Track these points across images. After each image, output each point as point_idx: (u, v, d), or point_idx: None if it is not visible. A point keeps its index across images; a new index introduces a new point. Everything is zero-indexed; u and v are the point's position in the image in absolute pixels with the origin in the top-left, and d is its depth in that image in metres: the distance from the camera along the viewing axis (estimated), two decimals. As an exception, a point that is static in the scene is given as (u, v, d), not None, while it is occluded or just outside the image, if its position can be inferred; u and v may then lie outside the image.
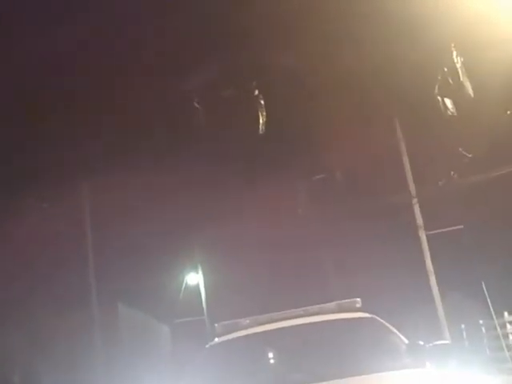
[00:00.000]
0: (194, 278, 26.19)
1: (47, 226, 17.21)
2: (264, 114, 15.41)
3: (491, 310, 17.14)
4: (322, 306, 5.90)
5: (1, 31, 12.25)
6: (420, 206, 18.73)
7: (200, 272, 24.59)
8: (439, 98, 15.15)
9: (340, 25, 13.65)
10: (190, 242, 22.15)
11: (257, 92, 15.23)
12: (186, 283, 27.21)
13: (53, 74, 13.97)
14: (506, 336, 16.91)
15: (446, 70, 14.38)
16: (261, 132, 15.58)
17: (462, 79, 14.12)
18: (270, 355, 5.64)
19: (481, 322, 18.42)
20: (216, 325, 6.06)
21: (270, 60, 14.93)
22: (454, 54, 13.85)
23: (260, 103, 15.33)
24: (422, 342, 4.97)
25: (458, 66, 13.99)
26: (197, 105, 15.80)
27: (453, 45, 13.79)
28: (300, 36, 14.13)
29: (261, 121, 15.42)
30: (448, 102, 15.12)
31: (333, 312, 5.76)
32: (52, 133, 15.50)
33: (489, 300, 17.18)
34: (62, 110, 15.09)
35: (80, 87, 14.60)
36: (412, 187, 18.90)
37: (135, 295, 20.67)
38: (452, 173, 17.98)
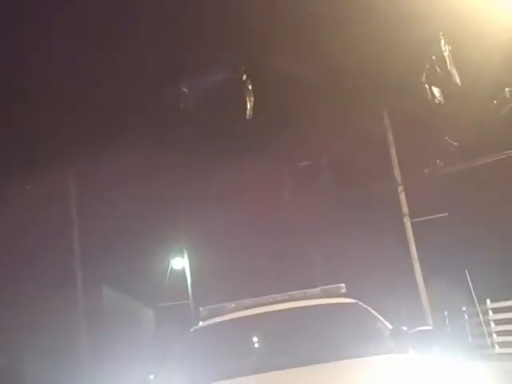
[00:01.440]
0: (180, 263, 26.21)
1: (32, 209, 17.13)
2: (252, 99, 15.37)
3: (474, 297, 17.33)
4: (307, 291, 5.93)
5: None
6: (405, 194, 18.82)
7: (185, 256, 24.62)
8: (427, 86, 15.18)
9: (330, 13, 13.64)
10: (175, 226, 22.14)
11: (245, 77, 15.18)
12: (172, 267, 27.22)
13: (40, 62, 13.87)
14: (487, 323, 17.11)
15: (433, 58, 14.41)
16: (248, 117, 15.54)
17: (449, 68, 14.15)
18: (255, 339, 5.68)
19: (464, 308, 18.62)
20: (201, 308, 6.07)
21: (259, 46, 14.89)
22: (442, 42, 13.88)
23: (248, 88, 15.29)
24: (405, 328, 5.02)
25: (446, 54, 14.02)
26: (184, 89, 15.74)
27: (441, 33, 13.81)
28: (290, 24, 14.10)
29: (248, 106, 15.38)
30: (435, 90, 15.15)
31: (317, 297, 5.79)
32: (38, 118, 15.40)
33: (472, 287, 17.38)
34: (48, 97, 14.99)
35: (65, 74, 14.50)
36: (398, 175, 18.97)
37: (120, 279, 20.68)
38: (438, 161, 18.07)
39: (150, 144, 16.91)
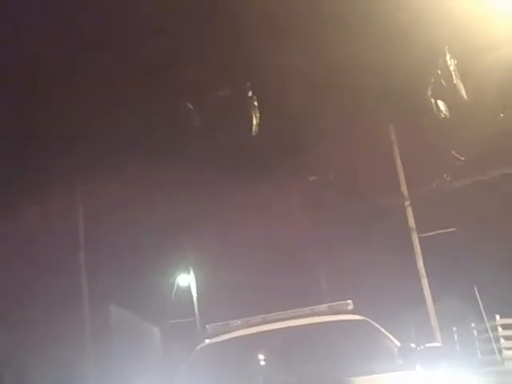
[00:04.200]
0: (186, 280, 26.16)
1: (40, 227, 17.15)
2: (258, 115, 15.38)
3: (483, 313, 17.19)
4: (314, 307, 5.88)
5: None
6: (412, 209, 18.76)
7: (192, 273, 24.56)
8: (432, 100, 15.17)
9: (335, 27, 13.66)
10: (182, 243, 22.11)
11: (251, 93, 15.20)
12: (178, 285, 27.17)
13: (48, 73, 13.93)
14: (497, 339, 16.98)
15: (439, 72, 14.40)
16: (254, 133, 15.54)
17: (455, 81, 14.13)
18: (261, 357, 5.62)
19: (472, 325, 18.48)
20: (207, 326, 6.03)
21: (265, 61, 14.92)
22: (448, 56, 13.87)
23: (253, 104, 15.30)
24: (413, 345, 4.95)
25: (452, 68, 14.00)
26: (190, 106, 15.77)
27: (446, 47, 13.80)
28: (295, 39, 14.14)
29: (254, 122, 15.38)
30: (441, 104, 15.13)
31: (325, 314, 5.74)
32: (46, 133, 15.46)
33: (480, 303, 17.24)
34: (55, 110, 15.05)
35: (73, 87, 14.56)
36: (404, 189, 18.93)
37: (127, 296, 20.61)
38: (445, 175, 18.01)
39: (156, 162, 16.94)
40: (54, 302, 17.33)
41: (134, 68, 14.43)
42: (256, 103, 15.26)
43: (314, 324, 5.51)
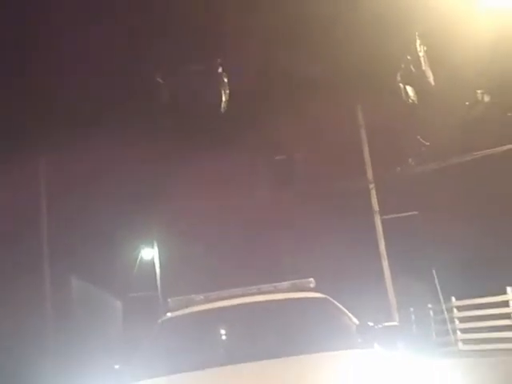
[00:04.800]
0: (149, 253, 26.09)
1: (1, 196, 16.87)
2: (227, 92, 15.31)
3: (440, 294, 17.58)
4: (276, 284, 5.95)
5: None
6: (376, 192, 19.00)
7: (155, 247, 24.50)
8: (401, 85, 15.31)
9: (306, 11, 13.66)
10: (146, 216, 22.00)
11: (220, 69, 15.11)
12: (141, 258, 27.10)
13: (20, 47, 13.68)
14: (452, 320, 17.39)
15: (409, 58, 14.52)
16: (222, 110, 15.48)
17: (424, 68, 14.27)
18: (222, 332, 5.68)
19: (429, 305, 18.88)
20: (169, 300, 6.06)
21: (236, 38, 14.84)
22: (418, 42, 13.98)
23: (223, 81, 15.22)
24: (371, 324, 5.07)
25: (421, 54, 14.13)
26: (160, 80, 15.63)
27: (417, 33, 13.91)
28: (266, 19, 14.09)
29: (223, 99, 15.31)
30: (409, 89, 15.28)
31: (287, 291, 5.82)
32: (10, 105, 15.18)
33: (438, 285, 17.63)
34: (22, 81, 14.79)
35: (41, 58, 14.31)
36: (370, 172, 19.14)
37: (89, 270, 20.48)
38: (410, 160, 18.25)
39: (122, 134, 16.77)
40: (14, 275, 17.14)
41: (107, 41, 14.22)
42: (226, 79, 15.19)
43: (274, 301, 5.58)
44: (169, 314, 5.84)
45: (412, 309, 19.64)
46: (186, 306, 5.80)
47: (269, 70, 16.42)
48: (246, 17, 14.13)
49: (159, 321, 5.82)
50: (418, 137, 17.79)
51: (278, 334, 5.23)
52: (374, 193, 19.01)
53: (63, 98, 15.71)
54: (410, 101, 15.46)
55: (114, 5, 13.48)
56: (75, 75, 15.04)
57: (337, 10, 13.76)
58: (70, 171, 17.81)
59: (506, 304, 14.98)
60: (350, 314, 5.36)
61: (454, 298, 17.40)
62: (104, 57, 14.67)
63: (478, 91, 16.05)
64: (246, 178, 20.81)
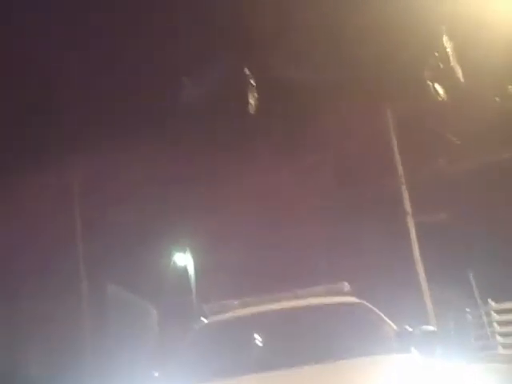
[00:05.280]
0: (183, 259, 26.20)
1: (37, 206, 17.14)
2: (255, 94, 15.32)
3: (477, 298, 17.29)
4: (311, 289, 5.93)
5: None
6: (409, 193, 18.77)
7: (189, 253, 24.61)
8: (430, 82, 15.15)
9: (331, 11, 13.61)
10: (179, 222, 22.13)
11: (247, 71, 15.12)
12: (175, 264, 27.22)
13: (50, 55, 13.89)
14: (490, 324, 17.08)
15: (436, 54, 14.37)
16: (251, 112, 15.49)
17: (452, 64, 14.10)
18: (258, 338, 5.67)
19: (467, 310, 18.58)
20: (204, 306, 6.07)
21: (264, 40, 14.86)
22: (445, 38, 13.83)
23: (251, 83, 15.23)
24: (409, 328, 5.03)
25: (449, 51, 13.97)
26: (188, 85, 15.72)
27: (444, 29, 13.76)
28: (293, 20, 14.08)
29: (251, 101, 15.32)
30: (438, 87, 15.12)
31: (321, 295, 5.79)
32: (44, 120, 15.43)
33: (475, 288, 17.34)
34: (56, 100, 15.02)
35: (73, 66, 14.52)
36: (401, 174, 18.92)
37: (124, 275, 20.68)
38: (441, 160, 18.02)
39: (153, 142, 16.92)
40: (51, 281, 17.39)
41: (132, 43, 14.37)
42: (253, 82, 15.20)
43: (311, 306, 5.55)
44: (204, 320, 5.86)
45: (449, 313, 19.35)
46: (222, 312, 5.80)
47: (296, 72, 16.38)
48: (274, 19, 14.15)
49: (195, 327, 5.83)
50: (449, 135, 17.56)
51: (315, 339, 5.20)
52: (406, 194, 18.77)
53: (94, 110, 15.92)
54: (439, 98, 15.29)
55: (142, 3, 13.58)
56: (107, 88, 15.23)
57: (362, 10, 13.69)
58: (104, 178, 18.00)
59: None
60: (386, 319, 5.32)
61: (491, 302, 17.09)
62: (132, 59, 14.81)
63: (510, 86, 15.78)
64: (278, 182, 20.79)
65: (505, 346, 16.48)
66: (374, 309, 5.44)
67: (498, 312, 16.95)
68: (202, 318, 5.91)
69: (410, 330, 4.99)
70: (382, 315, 5.37)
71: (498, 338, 16.83)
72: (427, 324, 15.22)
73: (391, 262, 18.12)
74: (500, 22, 12.37)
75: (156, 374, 5.19)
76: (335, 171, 20.97)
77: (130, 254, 20.62)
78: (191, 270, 23.78)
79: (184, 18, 14.19)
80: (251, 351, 5.43)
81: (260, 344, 5.59)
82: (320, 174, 21.30)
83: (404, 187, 18.69)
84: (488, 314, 17.19)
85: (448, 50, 13.90)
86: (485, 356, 16.04)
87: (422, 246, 18.36)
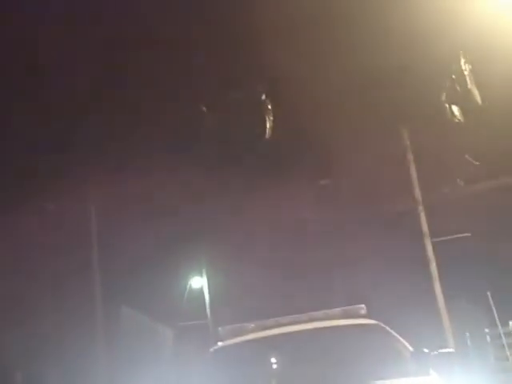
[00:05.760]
0: (198, 281, 26.17)
1: (52, 227, 17.24)
2: (271, 118, 15.41)
3: (496, 318, 17.10)
4: (327, 311, 5.88)
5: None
6: (426, 213, 18.68)
7: (204, 275, 24.59)
8: (447, 105, 15.13)
9: (349, 31, 13.67)
10: (194, 244, 22.14)
11: (264, 96, 15.23)
12: (190, 286, 27.18)
13: (65, 75, 14.04)
14: (510, 345, 16.87)
15: (453, 77, 14.37)
16: (267, 136, 15.58)
17: (469, 86, 14.10)
18: (274, 361, 5.62)
19: (486, 330, 18.37)
20: (220, 328, 6.04)
21: (279, 64, 14.95)
22: (462, 61, 13.84)
23: (267, 107, 15.33)
24: (426, 350, 4.95)
25: (466, 73, 13.97)
26: (204, 109, 15.83)
27: (461, 52, 13.78)
28: (309, 43, 14.16)
29: (268, 125, 15.41)
30: (455, 109, 15.09)
31: (338, 318, 5.74)
32: (62, 135, 15.58)
33: (494, 308, 17.15)
34: (69, 112, 15.16)
35: (88, 89, 14.66)
36: (418, 194, 18.85)
37: (139, 298, 20.68)
38: (458, 180, 17.95)
39: (169, 164, 16.99)
40: (65, 302, 17.43)
41: (149, 68, 14.50)
42: (270, 106, 15.30)
43: (327, 328, 5.51)
44: (220, 343, 5.82)
45: (468, 334, 19.13)
46: (237, 335, 5.76)
47: (311, 95, 16.43)
48: (289, 42, 14.23)
49: (211, 350, 5.79)
50: (467, 156, 17.49)
51: (331, 362, 5.15)
52: (423, 215, 18.69)
53: (112, 129, 16.04)
54: (457, 120, 15.26)
55: (156, 28, 13.72)
56: (122, 105, 15.34)
57: (378, 32, 13.75)
58: (120, 200, 18.08)
59: None
60: (403, 341, 5.25)
61: (511, 322, 16.91)
62: (149, 84, 14.94)
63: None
64: (293, 205, 20.76)
65: (525, 368, 16.28)
66: (390, 330, 5.38)
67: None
68: (218, 342, 5.88)
69: (427, 351, 4.91)
70: (398, 336, 5.30)
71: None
72: (445, 345, 15.07)
73: (409, 282, 17.96)
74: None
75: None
76: (352, 193, 20.91)
77: (145, 277, 20.63)
78: (207, 293, 23.72)
79: (203, 43, 14.35)
80: (267, 375, 5.38)
81: (275, 367, 5.54)
82: (337, 196, 21.25)
83: (421, 208, 18.61)
84: (508, 335, 17.00)
85: (465, 72, 13.90)
86: (505, 378, 15.81)
87: (439, 266, 18.22)
